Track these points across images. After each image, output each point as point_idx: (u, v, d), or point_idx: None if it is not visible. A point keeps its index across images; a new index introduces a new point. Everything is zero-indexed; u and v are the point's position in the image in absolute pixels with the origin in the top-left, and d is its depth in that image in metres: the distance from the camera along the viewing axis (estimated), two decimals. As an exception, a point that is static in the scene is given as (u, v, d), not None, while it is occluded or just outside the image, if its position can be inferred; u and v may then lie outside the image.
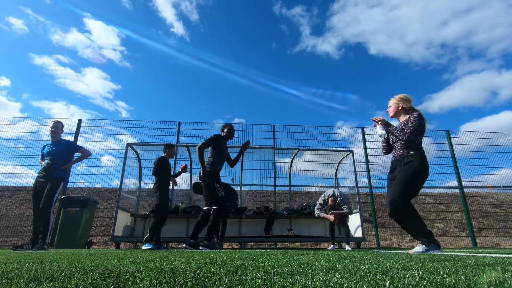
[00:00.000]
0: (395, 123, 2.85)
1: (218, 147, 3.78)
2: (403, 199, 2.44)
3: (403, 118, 2.82)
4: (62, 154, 3.84)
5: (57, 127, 3.98)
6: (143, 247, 4.17)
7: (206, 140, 3.73)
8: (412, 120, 2.61)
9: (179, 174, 4.81)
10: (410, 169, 2.52)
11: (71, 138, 6.87)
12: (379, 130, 2.81)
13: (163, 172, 4.39)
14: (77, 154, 4.06)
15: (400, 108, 2.80)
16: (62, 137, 4.04)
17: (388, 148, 2.93)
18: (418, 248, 2.46)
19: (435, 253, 2.41)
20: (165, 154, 4.63)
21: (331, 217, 4.83)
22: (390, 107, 2.90)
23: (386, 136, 2.77)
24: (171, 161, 4.96)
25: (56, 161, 3.78)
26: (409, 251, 2.54)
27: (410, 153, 2.58)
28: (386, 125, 2.76)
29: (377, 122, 2.80)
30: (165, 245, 4.33)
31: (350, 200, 5.17)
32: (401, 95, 2.85)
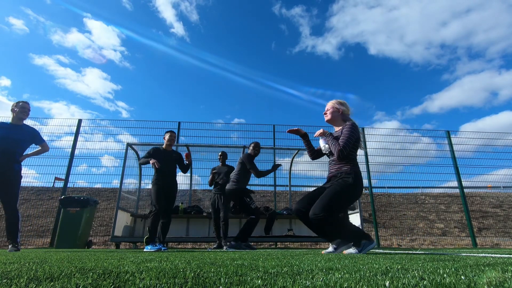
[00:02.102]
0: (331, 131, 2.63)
1: (246, 166, 4.06)
2: (325, 213, 2.26)
3: (338, 127, 2.59)
4: (25, 143, 3.36)
5: (29, 109, 3.42)
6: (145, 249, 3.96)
7: (251, 164, 4.06)
8: (345, 131, 2.41)
9: (187, 165, 4.24)
10: (340, 185, 2.34)
11: (71, 138, 6.86)
12: (322, 144, 2.57)
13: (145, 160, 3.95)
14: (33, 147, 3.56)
15: (340, 113, 2.58)
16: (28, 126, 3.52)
17: (312, 153, 2.75)
18: (352, 249, 2.31)
19: (369, 250, 2.27)
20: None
21: None
22: (327, 110, 2.64)
23: (330, 150, 2.51)
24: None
25: (17, 151, 3.28)
26: (344, 252, 2.38)
27: (345, 169, 2.39)
28: (327, 136, 2.52)
29: (319, 135, 2.57)
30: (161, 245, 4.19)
31: None
32: (340, 100, 2.63)
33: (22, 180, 3.40)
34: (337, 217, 2.32)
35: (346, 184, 2.32)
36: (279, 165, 4.19)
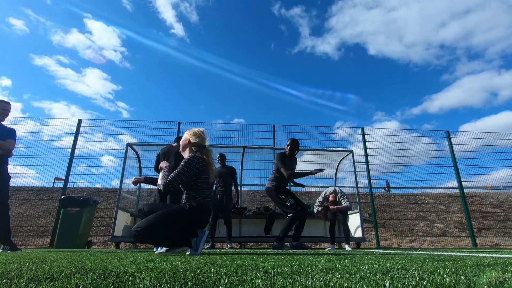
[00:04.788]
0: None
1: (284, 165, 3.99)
2: (145, 229, 2.09)
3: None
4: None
5: (9, 110, 3.37)
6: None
7: (281, 163, 3.91)
8: (181, 164, 2.27)
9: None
10: (177, 208, 2.24)
11: (71, 138, 6.86)
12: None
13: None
14: None
15: (187, 143, 2.42)
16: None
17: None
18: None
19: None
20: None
21: (326, 204, 4.89)
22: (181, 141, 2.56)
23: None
24: None
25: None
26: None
27: (187, 203, 2.28)
28: (164, 169, 2.36)
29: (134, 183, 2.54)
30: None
31: (350, 197, 5.18)
32: (195, 129, 2.48)
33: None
34: (157, 230, 2.15)
35: (180, 210, 2.23)
36: (322, 169, 3.92)
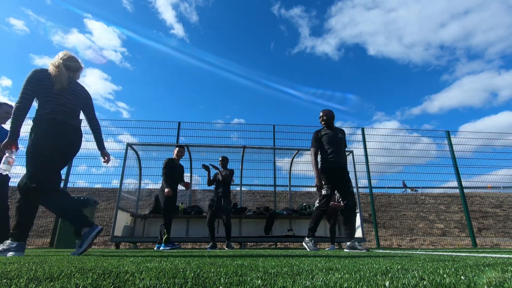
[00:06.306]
0: None
1: (320, 143, 3.65)
2: (31, 181, 1.94)
3: None
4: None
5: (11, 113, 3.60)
6: (161, 248, 4.32)
7: (312, 142, 3.67)
8: None
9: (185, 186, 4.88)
10: (28, 141, 2.02)
11: (71, 138, 6.85)
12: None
13: (167, 172, 4.59)
14: None
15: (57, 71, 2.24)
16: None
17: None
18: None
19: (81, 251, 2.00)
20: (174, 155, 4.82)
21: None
22: None
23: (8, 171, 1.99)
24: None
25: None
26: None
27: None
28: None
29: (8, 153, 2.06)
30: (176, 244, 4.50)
31: None
32: (69, 54, 2.37)
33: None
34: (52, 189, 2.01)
35: (31, 138, 2.02)
36: (325, 190, 3.54)
